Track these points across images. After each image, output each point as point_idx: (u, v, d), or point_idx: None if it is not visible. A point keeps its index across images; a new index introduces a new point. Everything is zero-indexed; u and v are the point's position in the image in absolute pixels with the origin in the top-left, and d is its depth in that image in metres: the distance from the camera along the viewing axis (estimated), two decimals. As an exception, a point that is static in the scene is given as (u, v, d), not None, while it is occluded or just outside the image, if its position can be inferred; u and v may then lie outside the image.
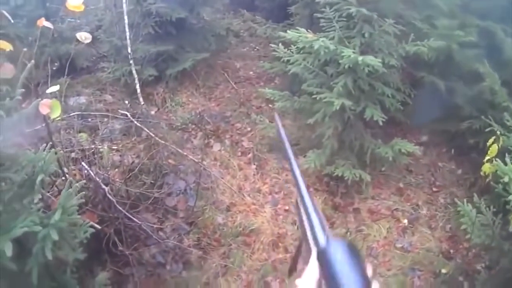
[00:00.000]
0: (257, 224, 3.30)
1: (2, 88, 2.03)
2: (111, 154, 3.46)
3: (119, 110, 3.84)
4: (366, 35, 3.36)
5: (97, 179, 2.96)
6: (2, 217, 1.95)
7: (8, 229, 1.86)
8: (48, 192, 2.70)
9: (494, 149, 3.00)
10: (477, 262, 3.20)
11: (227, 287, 3.02)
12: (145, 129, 3.52)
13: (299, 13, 4.28)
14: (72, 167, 3.18)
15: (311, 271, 0.61)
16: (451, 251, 3.35)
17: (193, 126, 4.03)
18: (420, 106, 3.72)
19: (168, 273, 3.06)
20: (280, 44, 3.64)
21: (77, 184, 2.21)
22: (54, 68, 4.16)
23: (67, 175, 2.80)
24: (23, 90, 2.10)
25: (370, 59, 3.10)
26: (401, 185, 3.65)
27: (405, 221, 3.43)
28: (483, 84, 3.55)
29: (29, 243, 1.97)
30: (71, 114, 3.67)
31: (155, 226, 3.15)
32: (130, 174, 3.23)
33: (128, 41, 3.92)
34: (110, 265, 2.89)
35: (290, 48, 3.60)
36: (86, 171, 3.01)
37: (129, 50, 3.98)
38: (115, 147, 3.55)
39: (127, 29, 3.89)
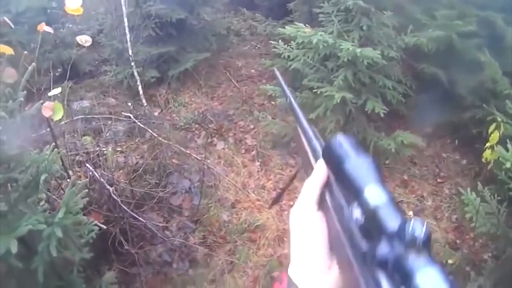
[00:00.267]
0: (262, 220, 3.33)
1: (5, 91, 2.08)
2: (115, 155, 3.50)
3: (123, 112, 3.89)
4: (364, 27, 3.39)
5: (102, 180, 3.01)
6: (8, 217, 2.00)
7: (14, 228, 1.91)
8: (54, 195, 2.75)
9: (495, 136, 3.02)
10: (484, 251, 3.21)
11: (234, 284, 3.04)
12: (149, 130, 3.57)
13: (298, 9, 4.33)
14: (77, 169, 3.24)
15: (317, 172, 0.61)
16: (458, 241, 3.35)
17: (196, 125, 4.07)
18: (422, 98, 3.74)
19: (175, 271, 3.10)
20: (280, 41, 3.69)
21: (79, 182, 2.26)
22: (57, 74, 4.23)
23: (72, 177, 2.86)
24: (25, 92, 2.16)
25: (368, 51, 3.13)
26: (405, 177, 3.66)
27: (411, 213, 3.44)
28: (484, 74, 3.57)
29: (35, 242, 2.02)
30: (75, 118, 3.72)
31: (160, 225, 3.19)
32: (135, 174, 3.29)
33: (129, 44, 3.98)
34: (117, 264, 2.93)
35: (290, 44, 3.64)
36: (91, 173, 3.06)
37: (130, 53, 4.03)
38: (119, 149, 3.61)
39: (127, 32, 3.95)
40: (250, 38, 5.23)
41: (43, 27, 3.01)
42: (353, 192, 0.53)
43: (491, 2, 3.83)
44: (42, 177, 2.08)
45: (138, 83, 4.10)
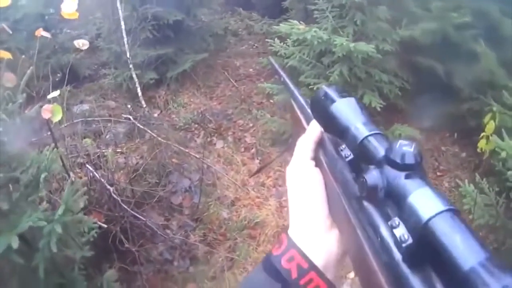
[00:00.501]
0: (262, 217, 3.40)
1: (4, 95, 2.19)
2: (116, 157, 3.60)
3: (122, 114, 3.99)
4: (358, 22, 3.47)
5: (102, 180, 3.11)
6: (10, 216, 2.10)
7: (15, 226, 2.00)
8: (56, 196, 2.85)
9: (490, 126, 3.07)
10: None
11: (234, 280, 3.11)
12: (148, 130, 3.66)
13: (294, 7, 4.42)
14: (78, 170, 3.33)
15: (310, 130, 0.63)
16: (458, 234, 3.40)
17: (196, 125, 4.17)
18: (419, 91, 3.78)
19: (176, 269, 3.18)
20: (276, 39, 3.77)
21: (78, 180, 2.36)
22: (57, 79, 4.34)
23: (73, 178, 2.95)
24: (24, 95, 2.26)
25: (362, 46, 3.21)
26: (404, 171, 3.71)
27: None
28: (481, 65, 3.63)
29: (36, 239, 2.11)
30: (75, 121, 3.83)
31: (161, 223, 3.28)
32: (135, 174, 3.38)
33: (127, 47, 4.09)
34: (118, 263, 3.00)
35: (285, 42, 3.72)
36: (91, 174, 3.16)
37: (128, 56, 4.14)
38: (120, 150, 3.70)
39: (124, 35, 4.06)
40: (247, 37, 5.32)
41: (41, 32, 3.13)
42: (341, 133, 0.55)
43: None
44: (42, 176, 2.17)
45: (137, 85, 4.20)
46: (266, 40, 3.87)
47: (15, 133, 2.15)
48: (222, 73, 4.81)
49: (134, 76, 4.18)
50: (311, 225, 0.57)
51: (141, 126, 3.68)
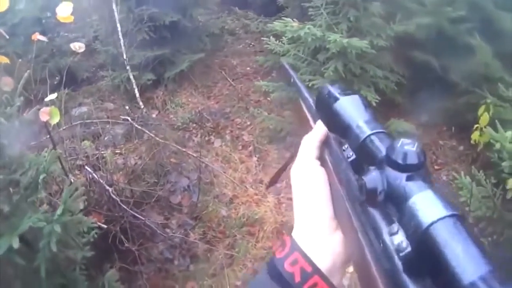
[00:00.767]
0: (260, 213, 3.48)
1: (2, 98, 2.27)
2: (114, 158, 3.68)
3: (120, 116, 4.07)
4: (352, 18, 3.53)
5: (101, 181, 3.19)
6: (11, 218, 2.18)
7: (16, 227, 2.08)
8: (56, 198, 2.93)
9: (485, 118, 3.13)
10: (483, 236, 3.30)
11: (234, 277, 3.19)
12: (146, 131, 3.74)
13: (289, 4, 4.48)
14: (77, 172, 3.41)
15: (315, 129, 0.63)
16: (457, 226, 3.46)
17: (194, 125, 4.25)
18: (416, 86, 3.85)
19: (176, 268, 3.26)
20: (271, 37, 3.84)
21: (77, 181, 2.44)
22: (56, 82, 4.42)
23: (71, 179, 3.04)
24: (22, 98, 2.33)
25: (356, 41, 3.27)
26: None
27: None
28: (476, 58, 3.68)
29: (36, 240, 2.19)
30: (74, 124, 3.91)
31: (160, 222, 3.36)
32: (134, 174, 3.46)
33: (123, 48, 4.17)
34: (119, 263, 3.08)
35: (281, 39, 3.79)
36: (90, 175, 3.24)
37: (124, 57, 4.22)
38: (118, 151, 3.78)
39: (121, 37, 4.14)
40: (244, 36, 5.40)
41: (37, 37, 3.22)
42: (343, 132, 0.55)
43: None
44: (41, 177, 2.25)
45: (134, 86, 4.29)
46: (262, 38, 3.94)
47: (14, 136, 2.23)
48: (219, 72, 4.90)
49: (131, 77, 4.26)
50: (315, 227, 0.56)
51: (139, 127, 3.76)
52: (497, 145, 2.85)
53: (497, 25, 3.73)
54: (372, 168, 0.46)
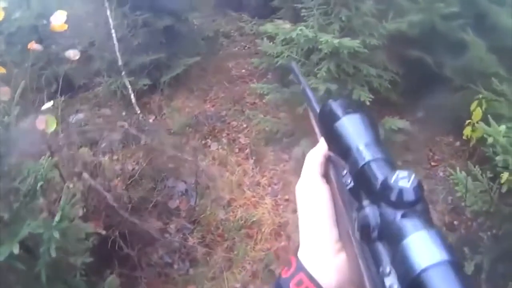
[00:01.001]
0: (258, 215, 3.60)
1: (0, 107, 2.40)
2: (112, 164, 3.80)
3: (117, 122, 4.20)
4: (344, 18, 3.63)
5: (99, 187, 3.31)
6: (11, 225, 2.30)
7: (16, 234, 2.20)
8: (56, 206, 3.04)
9: (477, 113, 3.21)
10: (482, 230, 3.36)
11: (233, 279, 3.30)
12: (143, 136, 3.86)
13: (283, 6, 4.59)
14: (75, 179, 3.53)
15: (320, 144, 0.62)
16: (455, 222, 3.56)
17: (190, 129, 4.37)
18: (410, 83, 3.95)
19: (176, 272, 3.38)
20: (265, 39, 3.96)
21: (72, 186, 2.56)
22: (53, 90, 4.54)
23: (69, 185, 3.16)
24: (19, 107, 2.46)
25: (347, 41, 3.38)
26: (399, 163, 3.88)
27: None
28: (470, 53, 3.78)
29: (37, 247, 2.32)
30: (71, 131, 4.03)
31: (159, 227, 3.47)
32: (131, 180, 3.58)
33: (118, 54, 4.30)
34: (119, 268, 3.19)
35: (274, 41, 3.90)
36: (88, 182, 3.36)
37: (120, 63, 4.35)
38: (116, 157, 3.89)
39: (115, 43, 4.27)
40: (239, 39, 5.51)
41: (33, 45, 3.35)
42: (343, 154, 0.53)
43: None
44: (39, 184, 2.37)
45: (130, 92, 4.41)
46: (256, 40, 4.05)
47: (12, 144, 2.36)
48: (215, 76, 5.02)
49: (127, 83, 4.39)
50: (320, 249, 0.57)
51: (136, 133, 3.89)
52: (490, 140, 2.94)
53: (491, 19, 3.82)
54: (366, 203, 0.46)
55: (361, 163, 0.50)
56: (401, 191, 0.42)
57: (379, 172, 0.47)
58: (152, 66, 4.65)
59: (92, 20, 4.83)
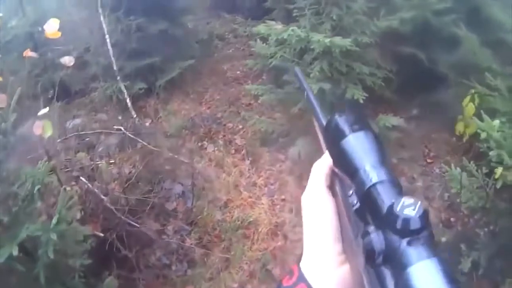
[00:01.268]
0: (255, 215, 3.74)
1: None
2: (109, 168, 3.95)
3: (114, 126, 4.35)
4: (335, 17, 3.77)
5: (96, 191, 3.47)
6: (11, 228, 2.45)
7: (15, 236, 2.35)
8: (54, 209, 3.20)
9: (470, 109, 3.33)
10: (478, 226, 3.41)
11: (231, 280, 3.44)
12: (139, 140, 4.02)
13: (276, 7, 4.74)
14: (73, 183, 3.69)
15: (326, 156, 0.63)
16: (452, 219, 3.68)
17: (187, 131, 4.52)
18: (404, 80, 4.07)
19: (174, 273, 3.51)
20: (258, 40, 4.10)
21: (69, 189, 2.71)
22: (49, 96, 4.71)
23: (66, 188, 3.31)
24: (16, 114, 2.61)
25: (338, 40, 3.51)
26: (394, 160, 4.02)
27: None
28: (463, 48, 3.90)
29: (35, 249, 2.47)
30: (68, 136, 4.20)
31: (157, 229, 3.62)
32: (128, 183, 3.73)
33: (113, 59, 4.47)
34: (118, 270, 3.32)
35: (268, 42, 4.05)
36: (86, 186, 3.52)
37: (115, 68, 4.51)
38: (113, 161, 4.05)
39: (110, 48, 4.44)
40: (233, 40, 5.65)
41: (29, 53, 3.52)
42: (350, 174, 0.54)
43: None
44: (36, 188, 2.52)
45: (126, 96, 4.58)
46: (249, 42, 4.19)
47: (10, 150, 2.52)
48: (210, 78, 5.17)
49: (122, 87, 4.55)
50: (323, 260, 0.58)
51: (132, 136, 4.05)
52: (483, 135, 3.05)
53: (484, 13, 3.94)
54: (371, 228, 0.46)
55: (368, 185, 0.50)
56: (406, 220, 0.43)
57: (385, 196, 0.48)
58: (147, 70, 4.80)
59: (86, 26, 4.99)
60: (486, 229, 3.30)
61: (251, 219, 3.73)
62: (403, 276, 0.40)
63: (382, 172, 0.51)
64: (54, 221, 2.49)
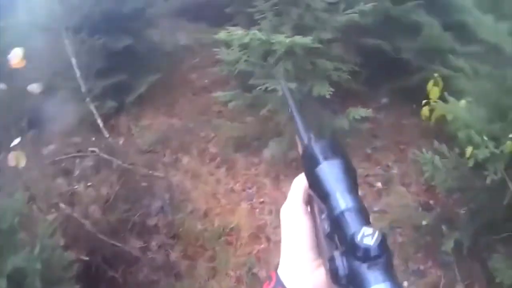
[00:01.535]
0: (236, 221, 3.93)
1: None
2: (87, 191, 4.14)
3: (89, 149, 4.54)
4: (295, 17, 3.98)
5: (76, 215, 3.66)
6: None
7: (2, 270, 2.54)
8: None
9: (435, 92, 3.53)
10: (458, 206, 3.56)
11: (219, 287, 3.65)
12: (114, 159, 4.21)
13: (237, 12, 4.94)
14: (53, 210, 3.87)
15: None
16: (431, 201, 3.88)
17: (160, 145, 4.71)
18: (370, 71, 4.29)
19: (162, 288, 3.71)
20: (223, 47, 4.31)
21: (49, 216, 2.91)
22: (23, 125, 4.87)
23: (45, 217, 3.50)
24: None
25: (299, 39, 3.71)
26: (368, 151, 4.24)
27: (379, 183, 4.01)
28: (425, 34, 4.14)
29: (24, 280, 2.64)
30: (44, 163, 4.38)
31: (140, 247, 3.81)
32: (107, 204, 3.92)
33: (80, 81, 4.65)
34: (108, 292, 3.52)
35: (231, 48, 4.25)
36: (66, 212, 3.70)
37: (83, 90, 4.71)
38: (90, 184, 4.24)
39: (76, 70, 4.63)
40: (198, 49, 5.74)
41: (-5, 85, 3.70)
42: (323, 198, 0.60)
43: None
44: (16, 219, 2.71)
45: (96, 117, 4.76)
46: (213, 49, 4.38)
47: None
48: (179, 89, 5.34)
49: (92, 108, 4.74)
50: (298, 266, 0.66)
51: (107, 157, 4.24)
52: (449, 116, 3.27)
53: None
54: (337, 254, 0.53)
55: (337, 211, 0.57)
56: (365, 249, 0.50)
57: (351, 224, 0.55)
58: (115, 88, 4.96)
59: (51, 50, 5.15)
60: (465, 208, 3.47)
61: (232, 225, 3.92)
62: None
63: (349, 198, 0.58)
64: (36, 250, 2.68)
